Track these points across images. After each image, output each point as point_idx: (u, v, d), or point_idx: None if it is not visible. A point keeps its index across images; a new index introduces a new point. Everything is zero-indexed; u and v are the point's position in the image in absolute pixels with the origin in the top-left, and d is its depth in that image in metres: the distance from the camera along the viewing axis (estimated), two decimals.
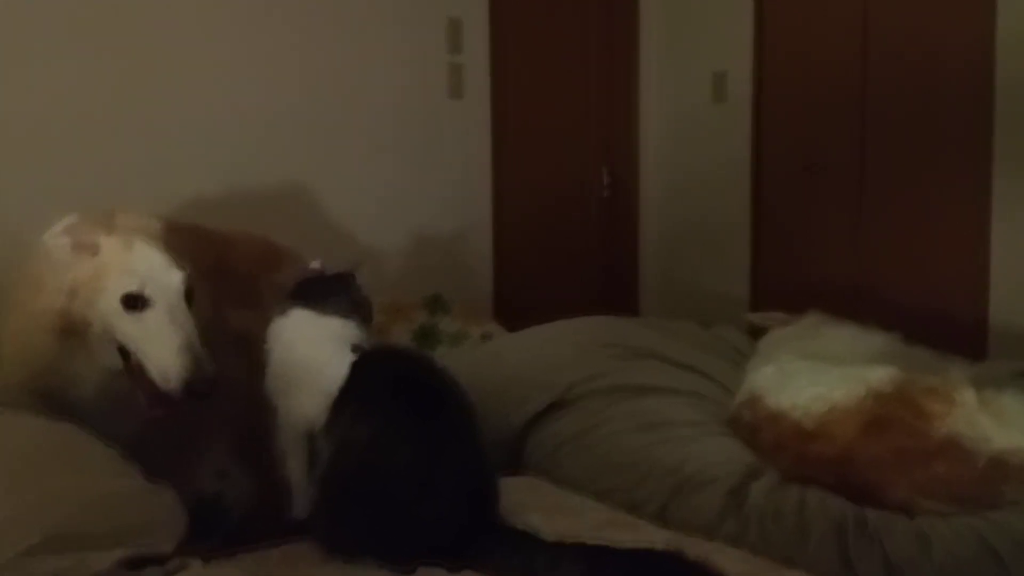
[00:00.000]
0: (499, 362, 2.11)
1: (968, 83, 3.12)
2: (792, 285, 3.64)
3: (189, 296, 1.75)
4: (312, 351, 1.62)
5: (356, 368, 1.58)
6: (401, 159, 3.49)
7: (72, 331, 1.68)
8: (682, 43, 4.07)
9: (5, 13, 2.56)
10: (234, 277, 2.12)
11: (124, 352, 1.68)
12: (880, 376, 1.68)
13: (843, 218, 3.52)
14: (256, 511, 2.03)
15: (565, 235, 4.10)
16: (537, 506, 1.66)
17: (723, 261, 3.99)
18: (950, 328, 3.10)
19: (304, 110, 3.19)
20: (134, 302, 1.66)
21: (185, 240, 1.98)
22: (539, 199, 3.98)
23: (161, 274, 1.69)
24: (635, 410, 1.89)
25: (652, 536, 1.56)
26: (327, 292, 1.68)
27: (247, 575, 1.37)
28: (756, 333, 2.52)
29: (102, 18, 2.73)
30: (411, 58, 3.48)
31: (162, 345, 1.64)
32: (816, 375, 1.76)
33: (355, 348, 1.63)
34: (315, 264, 1.77)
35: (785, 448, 1.69)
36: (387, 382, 1.57)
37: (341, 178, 3.32)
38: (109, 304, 1.66)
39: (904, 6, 3.32)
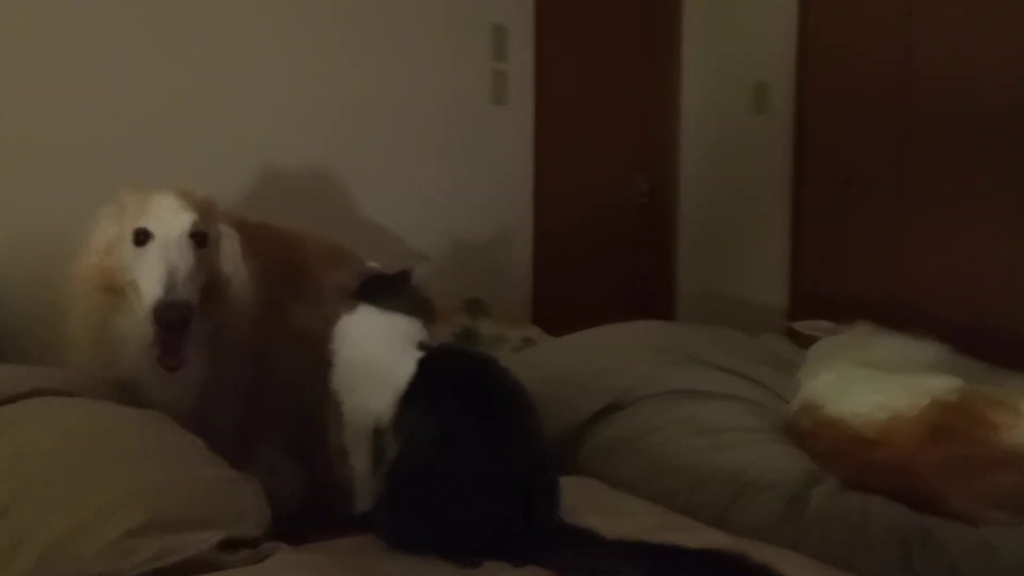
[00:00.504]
0: (552, 365, 2.13)
1: (1008, 96, 3.12)
2: (830, 296, 3.63)
3: (198, 241, 1.81)
4: (379, 348, 1.64)
5: (423, 366, 1.60)
6: (444, 163, 3.52)
7: (111, 287, 1.79)
8: (723, 53, 4.08)
9: (43, 12, 2.59)
10: (299, 275, 2.16)
11: None
12: (944, 386, 1.68)
13: (882, 230, 3.52)
14: (307, 507, 2.06)
15: (603, 241, 4.12)
16: (594, 508, 1.68)
17: (760, 270, 3.99)
18: (988, 340, 3.08)
19: (349, 113, 3.22)
20: (140, 237, 1.76)
21: (254, 236, 2.03)
22: (578, 204, 3.99)
23: (167, 213, 1.78)
24: (691, 415, 1.91)
25: (711, 539, 1.57)
26: (391, 291, 1.71)
27: (335, 560, 1.39)
28: (801, 343, 2.53)
29: (151, 14, 2.76)
30: (456, 64, 3.51)
31: (150, 274, 1.72)
32: (877, 383, 1.76)
33: (421, 346, 1.66)
34: (372, 264, 1.80)
35: (845, 455, 1.70)
36: (455, 382, 1.59)
37: (384, 180, 3.35)
38: (125, 245, 1.78)
39: (948, 19, 3.32)
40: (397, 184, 3.38)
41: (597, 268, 4.10)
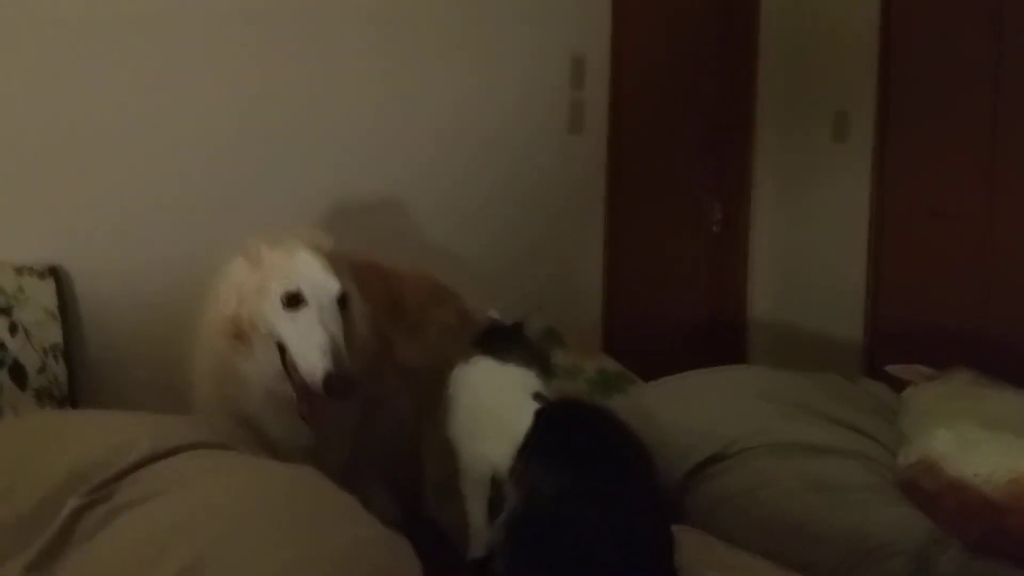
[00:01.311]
0: (654, 412, 2.11)
1: None
2: (912, 333, 3.56)
3: (343, 303, 1.84)
4: (497, 399, 1.66)
5: (541, 417, 1.61)
6: (518, 190, 3.52)
7: (241, 335, 1.83)
8: (802, 81, 4.04)
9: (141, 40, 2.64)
10: (403, 311, 2.18)
11: (282, 350, 1.82)
12: None
13: (970, 267, 3.45)
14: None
15: (674, 270, 4.10)
16: (710, 562, 1.66)
17: (837, 305, 3.92)
18: None
19: (426, 138, 3.24)
20: (292, 300, 1.79)
21: (361, 272, 2.06)
22: (650, 233, 3.98)
23: (318, 277, 1.81)
24: (804, 470, 1.88)
25: None
26: (508, 342, 1.72)
27: None
28: (895, 386, 2.48)
29: (237, 51, 2.79)
30: (535, 93, 3.52)
31: (310, 342, 1.75)
32: (1001, 445, 1.72)
33: (536, 396, 1.67)
34: (493, 314, 1.81)
35: (973, 519, 1.66)
36: (576, 434, 1.59)
37: (458, 207, 3.36)
38: (271, 304, 1.80)
39: None
40: (471, 210, 3.39)
41: (668, 297, 4.07)
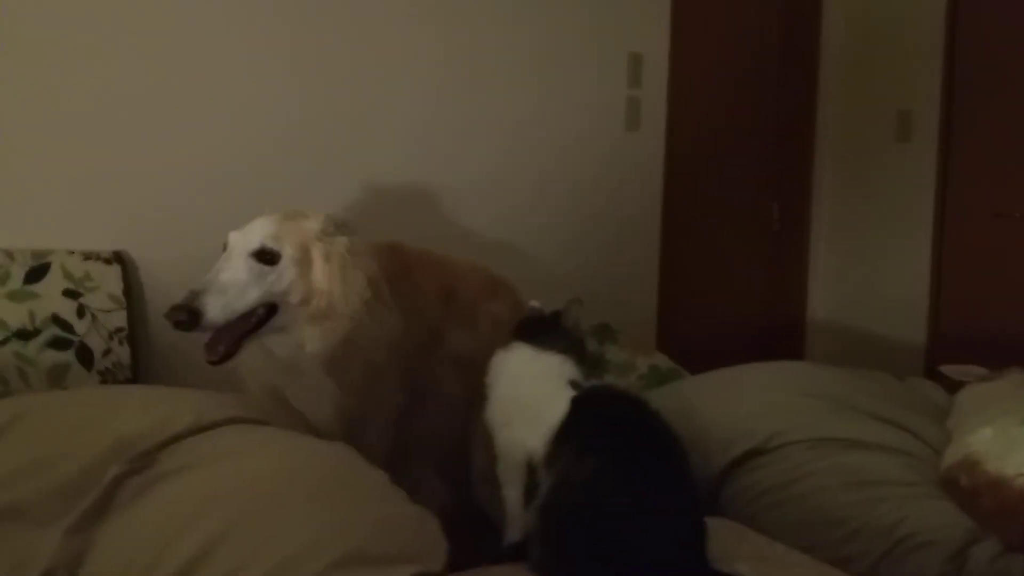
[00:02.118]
0: (693, 404, 2.11)
1: None
2: (975, 336, 3.49)
3: (267, 258, 1.87)
4: (535, 386, 1.68)
5: (577, 404, 1.63)
6: (575, 187, 3.53)
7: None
8: (866, 79, 3.98)
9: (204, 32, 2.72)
10: (456, 301, 2.22)
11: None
12: None
13: None
14: (453, 528, 2.12)
15: (731, 268, 4.07)
16: (743, 554, 1.66)
17: (898, 307, 3.86)
18: None
19: (483, 134, 3.27)
20: (224, 249, 1.91)
21: (413, 263, 2.11)
22: (707, 231, 3.96)
23: (244, 232, 1.90)
24: (842, 465, 1.86)
25: None
26: (547, 330, 1.74)
27: None
28: (949, 387, 2.44)
29: (297, 25, 2.85)
30: (592, 91, 3.53)
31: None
32: None
33: (573, 384, 1.69)
34: (534, 304, 1.84)
35: (1009, 517, 1.63)
36: (608, 421, 1.61)
37: (513, 203, 3.38)
38: None
39: None
40: (526, 208, 3.41)
41: (724, 296, 4.05)
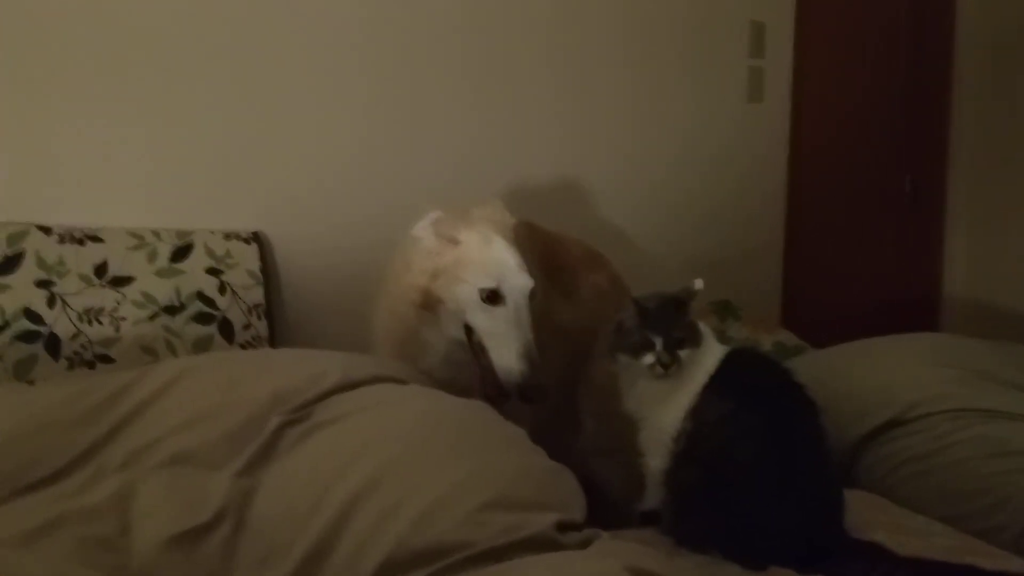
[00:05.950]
0: (832, 374, 2.06)
1: None
2: None
3: (532, 297, 1.91)
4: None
5: (729, 359, 1.63)
6: (696, 161, 3.48)
7: (429, 306, 1.94)
8: (1007, 43, 3.76)
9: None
10: (560, 273, 2.25)
11: (468, 329, 1.91)
12: None
13: None
14: None
15: (861, 245, 3.92)
16: (881, 524, 1.62)
17: None
18: None
19: (601, 111, 3.26)
20: (491, 297, 1.87)
21: (522, 236, 2.14)
22: (835, 206, 3.83)
23: (516, 277, 1.89)
24: (986, 436, 1.80)
25: (1010, 565, 1.48)
26: (663, 311, 1.71)
27: (648, 550, 1.45)
28: None
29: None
30: (710, 62, 3.47)
31: (507, 344, 1.84)
32: None
33: None
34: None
35: None
36: (756, 377, 1.61)
37: (634, 180, 3.36)
38: (467, 293, 1.89)
39: None
40: (647, 185, 3.39)
41: (853, 272, 3.91)
